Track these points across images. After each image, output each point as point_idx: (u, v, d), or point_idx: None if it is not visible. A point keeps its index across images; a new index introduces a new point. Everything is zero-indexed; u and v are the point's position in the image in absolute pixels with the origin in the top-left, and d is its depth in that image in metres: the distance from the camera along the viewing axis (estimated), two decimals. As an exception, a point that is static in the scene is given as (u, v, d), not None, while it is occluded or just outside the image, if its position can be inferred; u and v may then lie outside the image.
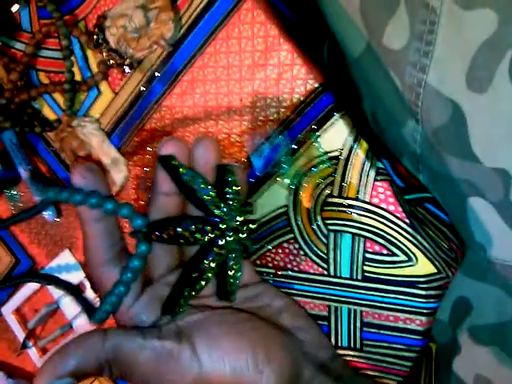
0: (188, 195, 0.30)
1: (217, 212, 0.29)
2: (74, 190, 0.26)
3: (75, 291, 0.45)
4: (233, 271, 0.31)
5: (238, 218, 0.30)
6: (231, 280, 0.32)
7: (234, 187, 0.30)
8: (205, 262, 0.30)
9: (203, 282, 0.30)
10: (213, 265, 0.30)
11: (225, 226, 0.30)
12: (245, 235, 0.31)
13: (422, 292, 0.34)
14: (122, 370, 0.28)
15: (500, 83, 0.25)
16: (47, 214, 0.48)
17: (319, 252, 0.36)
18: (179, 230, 0.29)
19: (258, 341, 0.31)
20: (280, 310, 0.35)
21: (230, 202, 0.30)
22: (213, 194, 0.29)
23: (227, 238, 0.30)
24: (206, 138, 0.31)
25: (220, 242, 0.30)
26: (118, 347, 0.28)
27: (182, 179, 0.29)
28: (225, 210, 0.30)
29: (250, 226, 0.31)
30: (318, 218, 0.36)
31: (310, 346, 0.35)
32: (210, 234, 0.29)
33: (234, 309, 0.33)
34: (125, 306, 0.29)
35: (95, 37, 0.40)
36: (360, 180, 0.34)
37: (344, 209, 0.35)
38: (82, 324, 0.48)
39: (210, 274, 0.30)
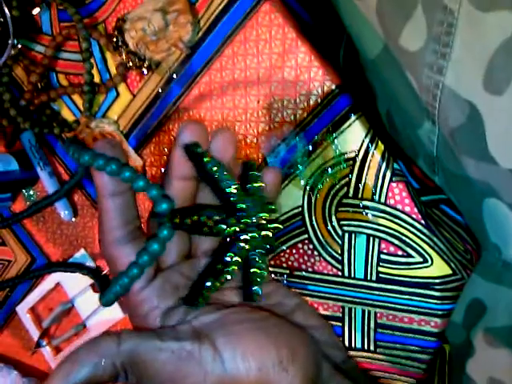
0: (210, 185, 0.29)
1: (239, 205, 0.29)
2: (115, 160, 0.26)
3: (95, 273, 0.45)
4: (256, 269, 0.31)
5: (261, 215, 0.30)
6: (257, 278, 0.31)
7: (256, 183, 0.30)
8: (228, 254, 0.30)
9: (228, 276, 0.30)
10: (237, 259, 0.30)
11: (247, 220, 0.30)
12: (269, 233, 0.30)
13: (437, 293, 0.34)
14: (139, 376, 0.26)
15: None
16: (63, 214, 0.48)
17: (334, 253, 0.36)
18: (203, 218, 0.28)
19: (280, 338, 0.29)
20: (293, 308, 0.35)
21: (252, 198, 0.30)
22: (237, 186, 0.29)
23: (249, 234, 0.30)
24: (225, 131, 0.30)
25: (242, 237, 0.30)
26: (135, 350, 0.26)
27: (206, 168, 0.28)
28: (248, 204, 0.30)
29: (276, 224, 0.31)
30: (333, 218, 0.36)
31: (325, 345, 0.35)
32: (234, 227, 0.29)
33: (249, 307, 0.32)
34: (136, 289, 0.28)
35: (114, 39, 0.41)
36: (376, 181, 0.34)
37: (359, 210, 0.35)
38: (97, 323, 0.49)
39: (235, 267, 0.30)
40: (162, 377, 0.26)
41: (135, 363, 0.26)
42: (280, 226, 0.31)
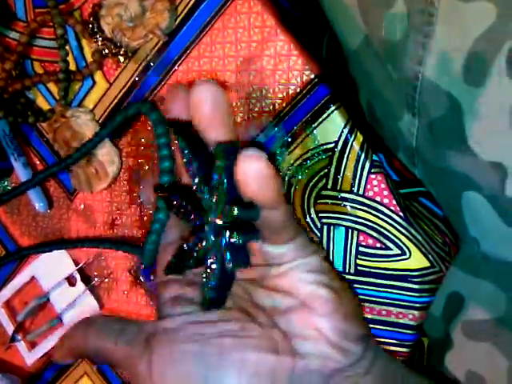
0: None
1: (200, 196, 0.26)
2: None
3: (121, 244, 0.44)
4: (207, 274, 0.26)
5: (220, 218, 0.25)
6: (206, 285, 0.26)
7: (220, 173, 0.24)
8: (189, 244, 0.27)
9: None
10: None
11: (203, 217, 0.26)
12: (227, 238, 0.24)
13: (415, 286, 0.34)
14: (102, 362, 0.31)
15: (497, 76, 0.25)
16: (38, 206, 0.47)
17: (312, 245, 0.36)
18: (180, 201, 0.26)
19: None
20: (289, 306, 0.27)
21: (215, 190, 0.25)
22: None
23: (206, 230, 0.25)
24: (207, 82, 0.25)
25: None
26: (98, 348, 0.28)
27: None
28: (206, 197, 0.25)
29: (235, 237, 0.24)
30: (312, 210, 0.35)
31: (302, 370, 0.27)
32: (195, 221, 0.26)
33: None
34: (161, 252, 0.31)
35: (90, 26, 0.40)
36: (355, 173, 0.34)
37: (338, 202, 0.34)
38: (72, 317, 0.48)
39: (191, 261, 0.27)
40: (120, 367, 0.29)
41: (100, 357, 0.29)
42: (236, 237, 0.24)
